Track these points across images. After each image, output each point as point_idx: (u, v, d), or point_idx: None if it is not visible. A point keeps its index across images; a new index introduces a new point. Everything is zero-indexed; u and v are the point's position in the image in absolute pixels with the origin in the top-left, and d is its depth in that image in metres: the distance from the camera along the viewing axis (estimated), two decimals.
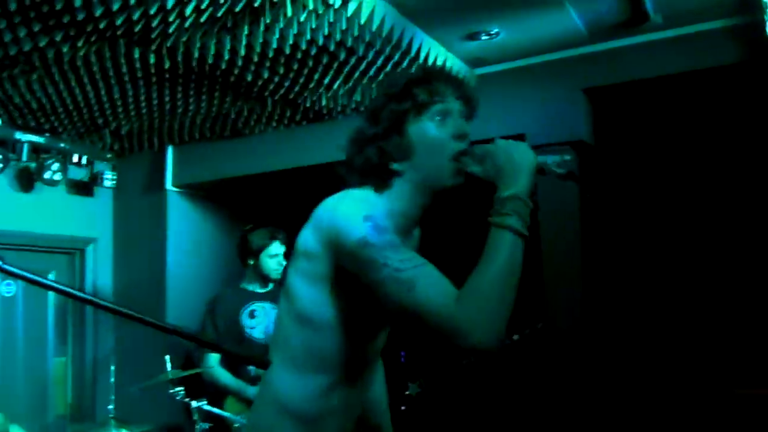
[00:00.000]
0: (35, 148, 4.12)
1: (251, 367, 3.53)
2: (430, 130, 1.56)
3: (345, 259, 1.48)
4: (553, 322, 3.47)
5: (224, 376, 3.58)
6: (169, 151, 4.67)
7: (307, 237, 1.56)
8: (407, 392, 3.81)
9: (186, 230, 4.74)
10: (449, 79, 1.62)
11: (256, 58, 3.15)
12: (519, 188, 1.42)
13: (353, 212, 1.47)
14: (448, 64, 3.49)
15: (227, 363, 3.58)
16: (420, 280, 1.36)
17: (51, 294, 4.50)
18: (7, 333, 4.24)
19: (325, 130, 4.08)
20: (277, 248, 3.74)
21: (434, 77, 1.60)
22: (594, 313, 3.50)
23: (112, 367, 3.61)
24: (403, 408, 3.73)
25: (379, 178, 1.59)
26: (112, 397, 3.48)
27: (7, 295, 4.23)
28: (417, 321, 1.37)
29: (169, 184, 4.67)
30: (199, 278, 4.66)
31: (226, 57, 3.11)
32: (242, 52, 3.07)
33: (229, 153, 4.44)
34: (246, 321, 3.69)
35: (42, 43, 2.86)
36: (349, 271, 1.49)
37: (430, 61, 3.36)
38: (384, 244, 1.42)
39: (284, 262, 3.74)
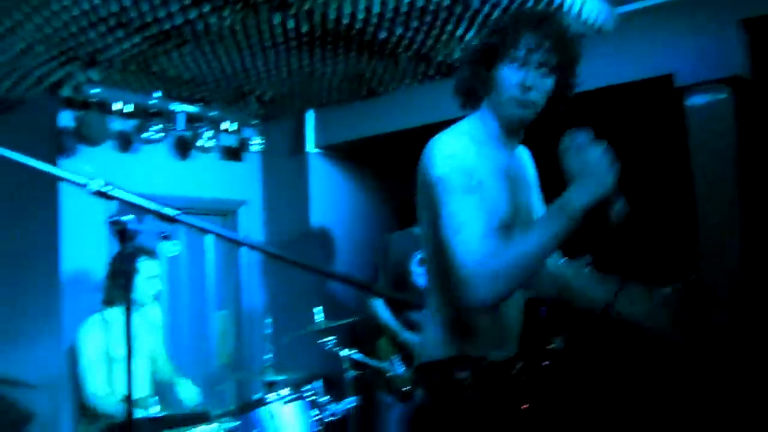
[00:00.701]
0: (189, 118, 4.43)
1: (415, 314, 3.62)
2: (504, 73, 1.72)
3: (425, 190, 1.70)
4: (707, 274, 3.27)
5: (385, 314, 3.71)
6: (310, 115, 4.85)
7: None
8: (550, 347, 3.76)
9: (327, 190, 4.93)
10: (540, 29, 1.70)
11: (389, 14, 3.17)
12: (582, 201, 1.51)
13: (440, 149, 1.69)
14: (587, 6, 3.32)
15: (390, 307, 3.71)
16: (466, 228, 1.56)
17: (210, 252, 4.88)
18: (173, 290, 4.65)
19: None
20: None
21: (526, 25, 1.72)
22: (752, 267, 3.25)
23: (269, 320, 3.84)
24: (546, 363, 3.70)
25: (469, 101, 1.83)
26: (270, 347, 3.73)
27: (171, 255, 4.61)
28: (450, 263, 1.57)
29: (310, 147, 4.86)
30: (342, 235, 4.85)
31: (361, 16, 3.16)
32: (376, 9, 3.10)
33: (365, 113, 4.54)
34: (415, 268, 3.76)
35: (192, 16, 3.05)
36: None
37: (567, 5, 3.21)
38: (455, 185, 1.62)
39: None
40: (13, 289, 3.76)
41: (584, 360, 4.03)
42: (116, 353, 3.48)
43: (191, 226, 1.45)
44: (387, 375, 3.50)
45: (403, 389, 3.65)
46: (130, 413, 1.57)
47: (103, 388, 3.41)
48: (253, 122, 4.83)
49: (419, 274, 3.71)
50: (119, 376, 3.49)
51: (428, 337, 1.83)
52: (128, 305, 1.49)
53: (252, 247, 1.39)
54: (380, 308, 3.75)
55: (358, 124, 4.60)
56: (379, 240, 3.99)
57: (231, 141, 4.84)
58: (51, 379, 3.66)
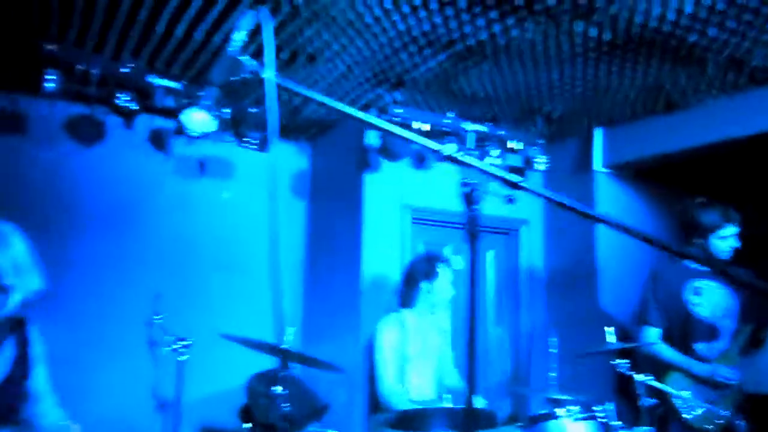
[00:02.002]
0: (479, 137, 4.59)
1: (699, 344, 3.35)
2: None
3: None
4: None
5: (668, 352, 3.46)
6: (597, 132, 4.73)
7: None
8: None
9: (614, 211, 4.72)
10: None
11: (703, 15, 2.97)
12: None
13: None
14: None
15: (674, 338, 3.46)
16: None
17: (490, 270, 4.96)
18: (456, 304, 4.80)
19: None
20: (730, 230, 3.47)
21: None
22: None
23: (554, 338, 3.77)
24: None
25: None
26: (554, 365, 3.65)
27: (457, 268, 4.78)
28: None
29: (597, 165, 4.72)
30: (631, 261, 4.59)
31: (671, 18, 3.01)
32: (689, 9, 2.93)
33: (662, 128, 4.28)
34: (690, 297, 3.50)
35: (496, 30, 3.17)
36: None
37: None
38: None
39: (736, 245, 3.48)
40: (325, 290, 4.22)
41: None
42: (409, 352, 3.68)
43: (536, 194, 1.49)
44: (683, 412, 3.24)
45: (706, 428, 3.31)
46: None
47: (395, 384, 3.63)
48: (538, 141, 4.84)
49: (695, 304, 3.45)
50: (410, 375, 3.68)
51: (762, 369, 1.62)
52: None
53: (612, 225, 1.34)
54: (660, 346, 3.49)
55: (652, 140, 4.36)
56: (648, 273, 3.73)
57: (516, 160, 4.90)
58: (349, 372, 4.00)
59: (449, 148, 1.54)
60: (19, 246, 2.13)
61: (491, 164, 1.49)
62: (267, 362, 4.14)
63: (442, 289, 3.75)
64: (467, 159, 1.51)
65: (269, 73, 1.48)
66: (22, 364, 2.25)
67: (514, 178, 1.49)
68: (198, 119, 3.64)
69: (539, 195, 1.50)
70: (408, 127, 4.40)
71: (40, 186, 3.72)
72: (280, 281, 1.52)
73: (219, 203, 4.47)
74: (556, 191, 4.86)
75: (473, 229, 1.50)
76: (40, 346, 2.36)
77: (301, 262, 4.87)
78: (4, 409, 2.16)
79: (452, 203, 4.67)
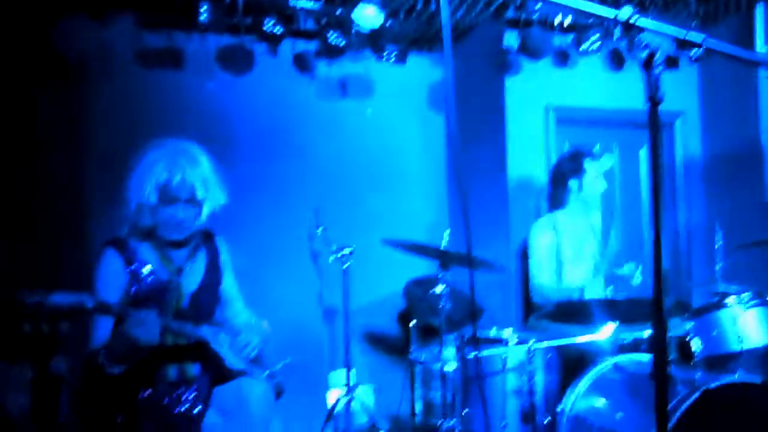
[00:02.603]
0: (626, 27, 4.32)
1: None
2: None
3: None
4: None
5: None
6: (759, 9, 4.29)
7: None
8: None
9: None
10: None
11: None
12: None
13: None
14: None
15: None
16: None
17: (643, 167, 4.75)
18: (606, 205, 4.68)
19: None
20: None
21: None
22: None
23: (718, 232, 3.59)
24: None
25: None
26: (718, 259, 3.50)
27: (606, 169, 4.63)
28: None
29: (760, 46, 4.31)
30: None
31: None
32: None
33: None
34: None
35: None
36: None
37: None
38: None
39: None
40: (471, 199, 4.27)
41: None
42: (564, 254, 3.68)
43: (720, 51, 1.42)
44: None
45: None
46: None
47: (551, 282, 3.65)
48: (692, 24, 4.48)
49: None
50: (567, 275, 3.69)
51: None
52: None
53: None
54: None
55: None
56: None
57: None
58: (501, 277, 4.07)
59: (625, 12, 1.48)
60: (205, 163, 2.34)
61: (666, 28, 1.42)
62: (423, 268, 4.33)
63: (592, 185, 3.67)
64: (642, 23, 1.45)
65: None
66: (214, 272, 2.51)
67: (695, 37, 1.42)
68: (368, 14, 3.69)
69: (723, 52, 1.41)
70: (548, 22, 4.24)
71: (200, 116, 4.00)
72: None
73: (364, 120, 4.58)
74: (713, 79, 4.57)
75: (655, 96, 1.45)
76: (227, 255, 2.61)
77: (445, 172, 4.93)
78: (203, 311, 2.44)
79: (598, 100, 4.50)
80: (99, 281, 2.25)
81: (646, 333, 3.03)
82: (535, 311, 3.78)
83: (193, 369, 2.34)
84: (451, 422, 3.01)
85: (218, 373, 2.37)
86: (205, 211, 2.34)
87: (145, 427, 2.19)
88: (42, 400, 2.49)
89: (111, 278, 2.24)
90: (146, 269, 2.29)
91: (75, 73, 3.74)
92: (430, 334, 4.25)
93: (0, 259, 3.26)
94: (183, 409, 2.24)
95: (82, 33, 3.71)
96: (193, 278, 2.42)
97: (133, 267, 2.28)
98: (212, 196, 2.34)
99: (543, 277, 3.67)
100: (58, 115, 3.72)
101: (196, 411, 2.25)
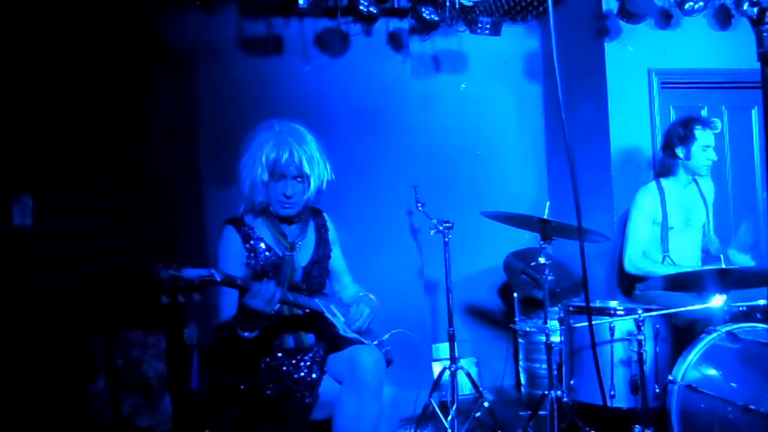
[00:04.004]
0: None
1: None
2: None
3: None
4: None
5: None
6: None
7: None
8: None
9: None
10: None
11: None
12: None
13: None
14: None
15: None
16: None
17: (755, 128, 4.52)
18: (716, 171, 4.47)
19: None
20: None
21: None
22: None
23: None
24: None
25: None
26: None
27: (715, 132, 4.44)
28: None
29: None
30: None
31: None
32: None
33: None
34: None
35: None
36: None
37: None
38: None
39: None
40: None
41: None
42: (670, 221, 3.57)
43: None
44: None
45: None
46: None
47: (641, 250, 3.56)
48: None
49: None
50: (673, 244, 3.59)
51: None
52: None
53: None
54: None
55: None
56: None
57: None
58: (604, 248, 3.99)
59: None
60: (311, 141, 2.45)
61: None
62: (523, 241, 4.32)
63: (701, 153, 3.54)
64: None
65: None
66: (324, 246, 2.63)
67: None
68: None
69: None
70: None
71: (299, 98, 4.14)
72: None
73: (459, 94, 4.60)
74: None
75: (767, 53, 1.40)
76: (334, 231, 2.72)
77: (542, 144, 4.88)
78: (315, 284, 2.56)
79: (704, 61, 4.29)
80: (221, 256, 2.41)
81: (762, 302, 2.93)
82: (641, 282, 3.71)
83: (309, 338, 2.48)
84: (558, 393, 3.02)
85: (332, 341, 2.50)
86: (313, 186, 2.44)
87: (267, 392, 2.34)
88: (176, 367, 2.71)
89: (231, 254, 2.39)
90: (263, 245, 2.43)
91: (188, 64, 3.96)
92: (532, 305, 4.25)
93: (128, 237, 3.52)
94: (301, 374, 2.38)
95: (191, 23, 3.91)
96: (304, 253, 2.55)
97: (251, 243, 2.42)
98: (319, 172, 2.44)
99: (636, 243, 3.59)
100: (172, 102, 3.95)
101: (313, 377, 2.38)
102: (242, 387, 2.37)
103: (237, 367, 2.37)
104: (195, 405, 2.89)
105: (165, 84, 3.86)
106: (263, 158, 2.36)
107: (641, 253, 3.58)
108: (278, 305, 2.26)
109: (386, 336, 2.67)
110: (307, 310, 2.43)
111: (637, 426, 2.90)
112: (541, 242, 3.10)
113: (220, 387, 2.43)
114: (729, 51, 4.32)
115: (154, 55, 3.83)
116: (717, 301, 2.97)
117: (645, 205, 3.61)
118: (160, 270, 1.93)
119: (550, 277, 3.11)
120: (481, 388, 3.82)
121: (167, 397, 2.70)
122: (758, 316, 2.96)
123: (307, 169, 2.39)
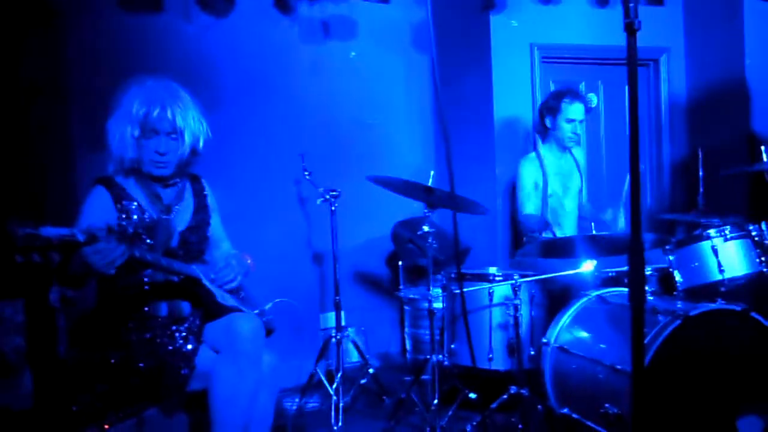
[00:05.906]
0: None
1: None
2: None
3: None
4: None
5: None
6: None
7: None
8: None
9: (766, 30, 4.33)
10: None
11: None
12: None
13: None
14: None
15: None
16: None
17: (626, 107, 4.77)
18: (591, 143, 4.71)
19: None
20: None
21: None
22: None
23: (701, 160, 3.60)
24: None
25: None
26: (700, 191, 3.53)
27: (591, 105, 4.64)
28: None
29: None
30: None
31: None
32: None
33: None
34: None
35: None
36: None
37: None
38: None
39: None
40: (457, 139, 4.25)
41: None
42: (550, 186, 3.73)
43: None
44: None
45: None
46: None
47: (535, 212, 3.72)
48: None
49: None
50: (552, 211, 3.75)
51: None
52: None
53: None
54: None
55: None
56: None
57: None
58: (486, 216, 4.10)
59: None
60: (185, 97, 2.33)
61: None
62: (410, 211, 4.35)
63: (564, 125, 3.71)
64: None
65: None
66: (203, 212, 2.52)
67: None
68: None
69: None
70: None
71: (182, 59, 3.94)
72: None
73: (348, 62, 4.53)
74: (698, 14, 4.54)
75: (632, 24, 1.43)
76: (213, 197, 2.62)
77: (430, 114, 4.92)
78: (193, 250, 2.46)
79: (584, 37, 4.46)
80: (84, 215, 2.25)
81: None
82: (520, 248, 3.85)
83: (185, 306, 2.37)
84: (439, 357, 3.09)
85: (210, 310, 2.41)
86: (187, 142, 2.33)
87: (140, 365, 2.23)
88: (36, 340, 2.53)
89: (98, 213, 2.23)
90: (135, 205, 2.30)
91: (58, 19, 3.66)
92: (418, 274, 4.32)
93: None
94: (177, 345, 2.28)
95: None
96: (182, 218, 2.43)
97: (123, 203, 2.28)
98: (194, 128, 2.34)
99: (526, 206, 3.74)
100: (42, 59, 3.65)
101: (189, 347, 2.29)
102: (112, 360, 2.25)
103: (103, 338, 2.24)
104: (61, 380, 2.71)
105: (29, 38, 3.56)
106: (133, 113, 2.25)
107: (532, 215, 3.73)
108: (150, 270, 2.14)
109: (269, 305, 2.62)
110: (183, 277, 2.32)
111: (512, 387, 3.02)
112: (426, 210, 3.12)
113: (87, 360, 2.30)
114: (607, 28, 4.50)
115: (19, 7, 3.51)
116: (587, 266, 3.13)
117: (527, 171, 3.75)
118: (15, 226, 1.76)
119: (434, 245, 3.15)
120: (367, 356, 3.85)
121: (27, 373, 2.51)
122: (626, 280, 3.14)
123: (180, 123, 2.28)
